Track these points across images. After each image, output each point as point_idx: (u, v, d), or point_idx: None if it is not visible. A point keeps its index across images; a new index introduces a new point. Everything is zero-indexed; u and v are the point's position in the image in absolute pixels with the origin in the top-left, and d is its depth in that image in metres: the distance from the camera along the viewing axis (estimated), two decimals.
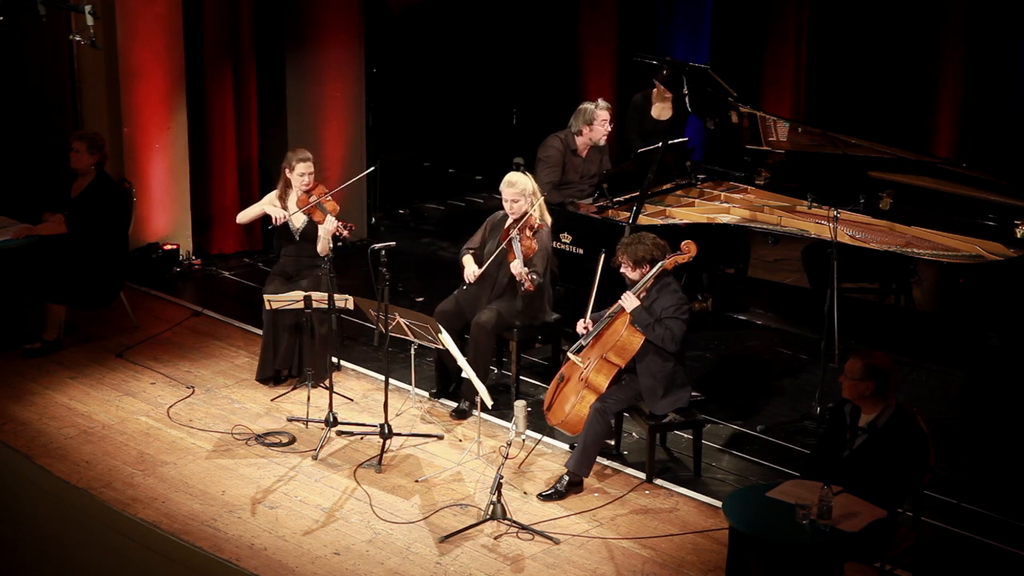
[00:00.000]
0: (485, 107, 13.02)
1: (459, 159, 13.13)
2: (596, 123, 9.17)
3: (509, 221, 8.07)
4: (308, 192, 8.38)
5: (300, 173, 8.34)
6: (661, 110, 10.05)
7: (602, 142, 9.28)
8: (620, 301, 7.33)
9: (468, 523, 6.93)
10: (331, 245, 8.29)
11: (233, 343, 9.11)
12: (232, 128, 10.63)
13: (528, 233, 8.00)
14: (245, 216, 8.68)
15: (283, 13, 10.63)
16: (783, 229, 8.55)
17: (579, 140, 9.20)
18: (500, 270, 8.10)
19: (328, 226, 8.26)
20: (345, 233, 8.25)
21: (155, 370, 8.65)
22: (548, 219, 8.21)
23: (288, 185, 8.42)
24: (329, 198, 8.38)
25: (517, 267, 7.89)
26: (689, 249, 7.42)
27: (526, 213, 8.02)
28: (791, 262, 8.57)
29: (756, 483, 7.24)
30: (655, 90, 10.00)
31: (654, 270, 7.31)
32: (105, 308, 9.13)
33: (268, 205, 8.46)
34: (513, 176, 8.09)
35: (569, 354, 7.51)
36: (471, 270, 8.13)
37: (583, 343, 7.47)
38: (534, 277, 7.89)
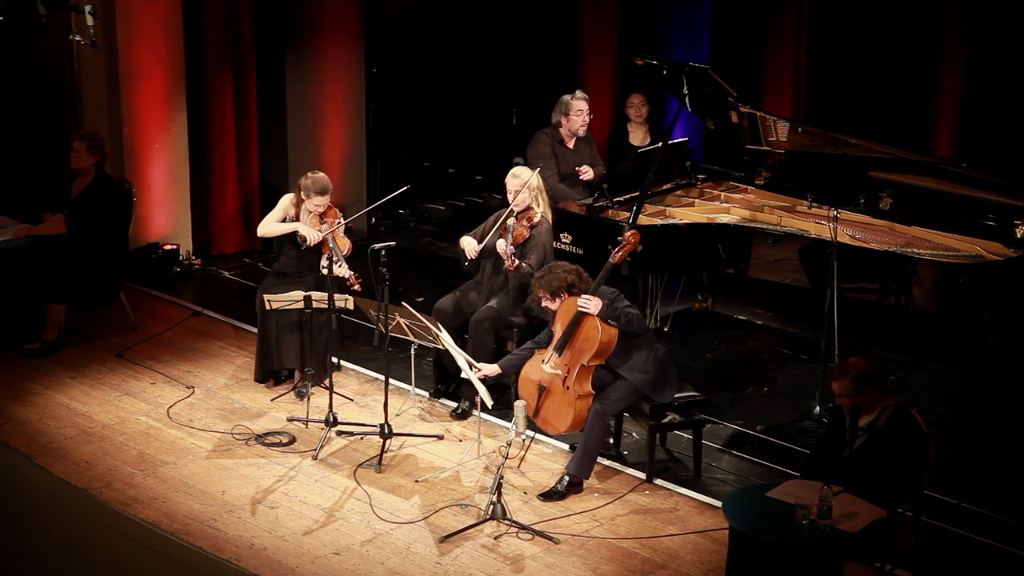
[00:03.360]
0: (485, 107, 13.01)
1: (459, 159, 13.13)
2: (572, 113, 9.47)
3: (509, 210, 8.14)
4: (321, 217, 8.32)
5: (316, 204, 8.29)
6: (636, 134, 10.23)
7: (581, 132, 9.50)
8: (580, 307, 7.28)
9: (468, 523, 6.94)
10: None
11: (233, 343, 9.11)
12: (232, 128, 10.63)
13: (524, 222, 8.07)
14: (269, 232, 8.53)
15: (283, 13, 10.63)
16: (783, 229, 8.55)
17: (562, 131, 9.48)
18: (498, 268, 8.12)
19: (340, 272, 8.03)
20: (357, 287, 8.04)
21: (155, 370, 8.65)
22: (548, 217, 8.25)
23: (302, 200, 8.36)
24: (342, 233, 8.23)
25: (501, 245, 7.96)
26: (635, 239, 7.53)
27: (528, 207, 8.08)
28: (791, 262, 8.57)
29: (756, 483, 7.24)
30: (632, 112, 10.33)
31: (605, 267, 7.39)
32: (105, 308, 9.14)
33: (298, 224, 8.32)
34: (518, 169, 8.24)
35: (543, 367, 7.44)
36: (472, 246, 8.15)
37: (556, 355, 7.39)
38: (523, 265, 7.95)
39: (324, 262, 8.16)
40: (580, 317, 7.28)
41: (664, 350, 7.47)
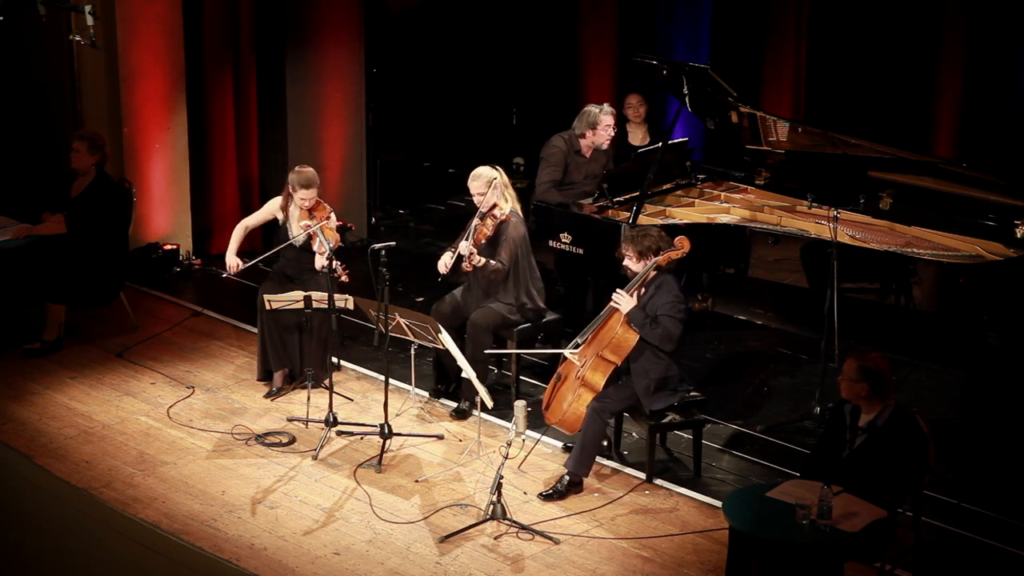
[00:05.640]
0: (485, 107, 13.02)
1: (459, 159, 13.11)
2: (600, 128, 9.15)
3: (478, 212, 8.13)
4: (310, 211, 8.30)
5: (302, 198, 8.28)
6: (635, 134, 10.20)
7: (605, 146, 9.28)
8: (612, 302, 7.32)
9: (468, 523, 6.94)
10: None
11: (233, 343, 9.11)
12: (232, 128, 10.63)
13: (489, 221, 8.05)
14: (250, 222, 8.57)
15: (283, 13, 10.62)
16: (783, 229, 8.55)
17: (582, 142, 9.19)
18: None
19: (323, 261, 8.04)
20: (344, 278, 7.98)
21: (155, 370, 8.65)
22: (518, 209, 8.20)
23: (291, 196, 8.37)
24: (330, 224, 8.22)
25: (463, 246, 7.95)
26: (682, 244, 7.40)
27: (495, 205, 8.07)
28: (791, 262, 8.56)
29: (756, 483, 7.24)
30: (630, 112, 10.21)
31: (648, 266, 7.31)
32: (105, 308, 9.14)
33: (276, 211, 8.43)
34: (478, 170, 8.13)
35: (565, 352, 7.51)
36: (443, 263, 8.14)
37: (579, 340, 7.47)
38: (492, 262, 7.94)
39: (321, 261, 8.16)
40: (614, 309, 7.30)
41: (677, 372, 7.40)
